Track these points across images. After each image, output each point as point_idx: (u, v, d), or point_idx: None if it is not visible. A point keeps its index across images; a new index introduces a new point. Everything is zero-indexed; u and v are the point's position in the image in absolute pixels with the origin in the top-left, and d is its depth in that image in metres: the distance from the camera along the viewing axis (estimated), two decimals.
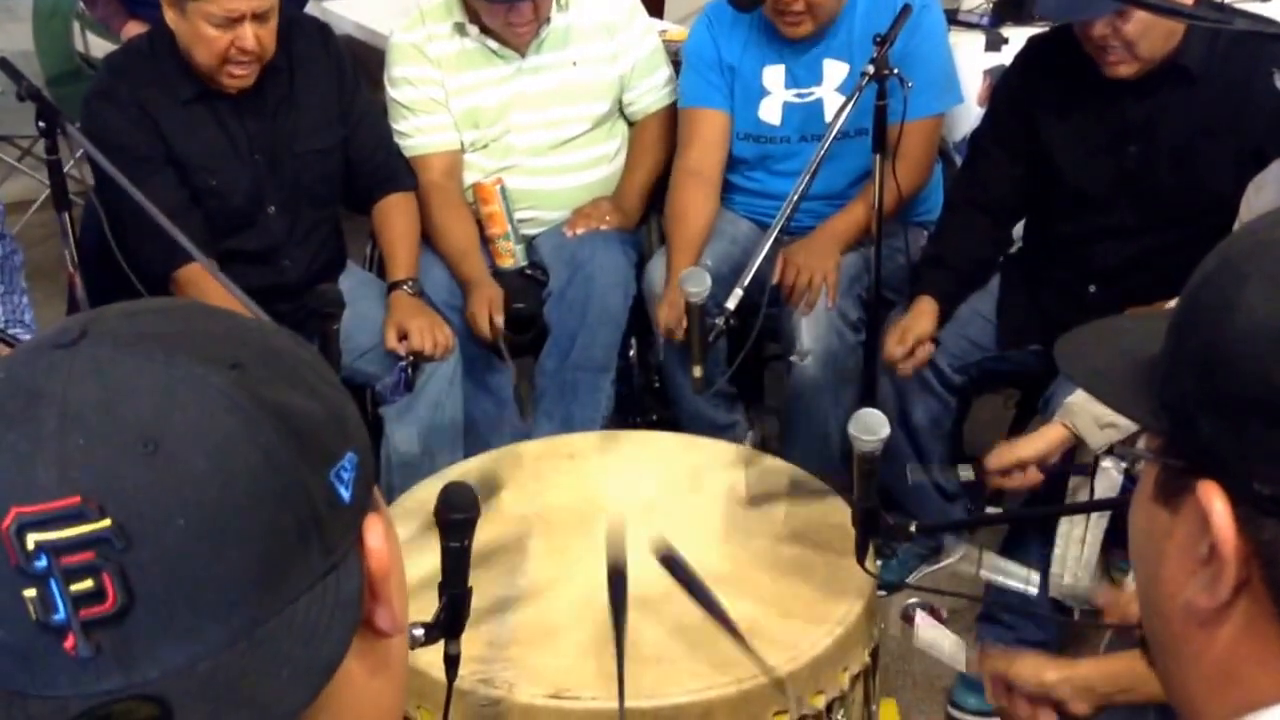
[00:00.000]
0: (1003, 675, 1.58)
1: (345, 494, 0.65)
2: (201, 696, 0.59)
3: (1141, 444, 0.75)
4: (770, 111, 2.87)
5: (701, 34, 2.92)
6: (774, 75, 2.85)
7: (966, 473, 2.20)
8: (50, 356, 0.62)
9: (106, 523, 0.58)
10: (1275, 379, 0.65)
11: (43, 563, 0.57)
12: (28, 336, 2.45)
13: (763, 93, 2.87)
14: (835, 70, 2.82)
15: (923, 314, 2.60)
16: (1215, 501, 0.67)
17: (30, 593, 0.58)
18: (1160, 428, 0.72)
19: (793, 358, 2.73)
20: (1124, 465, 2.14)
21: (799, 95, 2.85)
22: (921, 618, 1.79)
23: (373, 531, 0.67)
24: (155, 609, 0.58)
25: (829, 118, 2.80)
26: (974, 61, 3.19)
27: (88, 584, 0.57)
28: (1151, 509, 0.73)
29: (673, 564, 1.56)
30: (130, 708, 0.59)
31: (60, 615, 0.58)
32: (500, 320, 2.77)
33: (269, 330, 0.69)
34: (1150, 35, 2.30)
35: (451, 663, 1.31)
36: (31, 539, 0.57)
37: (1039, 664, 1.56)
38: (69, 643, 0.58)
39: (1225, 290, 0.68)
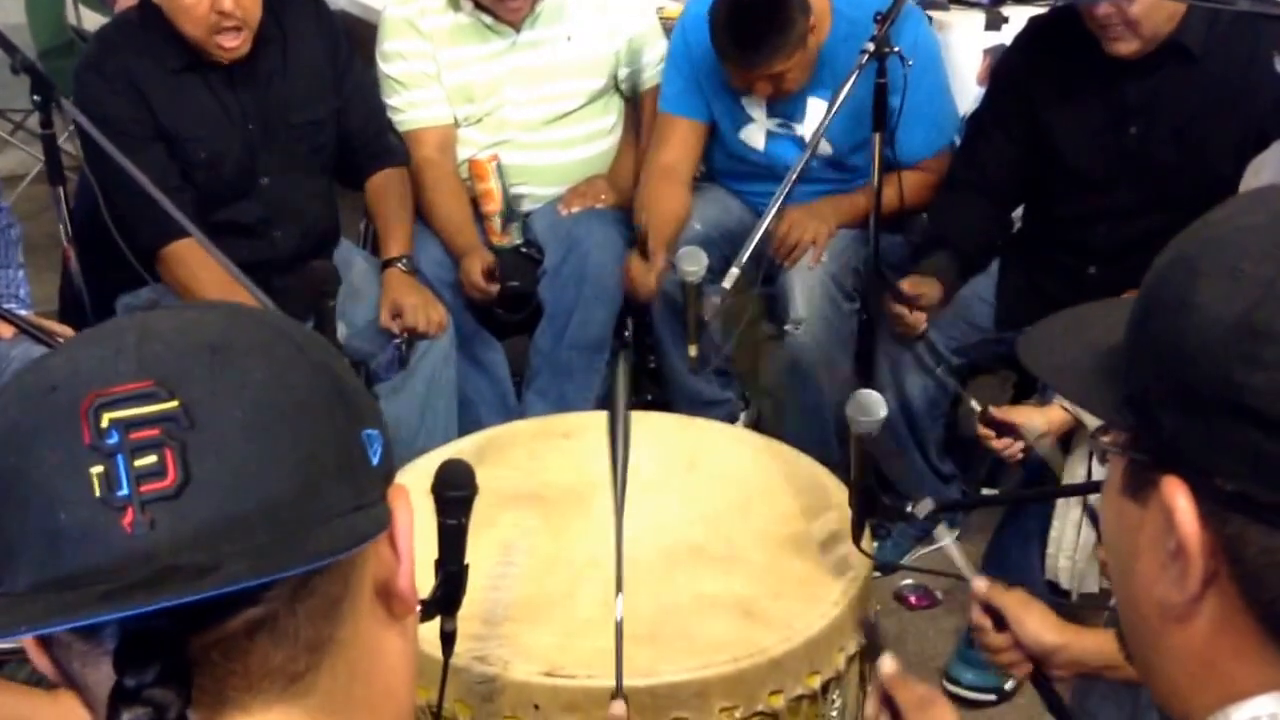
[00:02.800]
0: (1001, 612, 1.56)
1: (374, 457, 0.71)
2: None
3: (1108, 438, 0.74)
4: (754, 137, 2.85)
5: (679, 44, 2.86)
6: (755, 103, 2.81)
7: (975, 405, 2.22)
8: (125, 316, 0.71)
9: (175, 404, 0.64)
10: (1233, 376, 0.64)
11: (114, 439, 0.63)
12: (24, 312, 2.43)
13: (746, 119, 2.84)
14: (818, 109, 2.77)
15: (932, 281, 2.58)
16: (1179, 498, 0.67)
17: (97, 469, 0.62)
18: (1123, 422, 0.72)
19: (787, 326, 2.72)
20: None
21: (781, 125, 2.82)
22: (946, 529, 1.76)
23: (400, 505, 0.72)
24: (208, 492, 0.63)
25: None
26: (973, 41, 3.17)
27: (151, 459, 0.63)
28: (1121, 503, 0.73)
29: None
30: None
31: (123, 490, 0.62)
32: (491, 260, 2.75)
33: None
34: (1154, 15, 2.29)
35: (447, 639, 1.31)
36: (106, 417, 0.63)
37: (1044, 623, 1.54)
38: (127, 519, 0.62)
39: (1180, 286, 0.68)
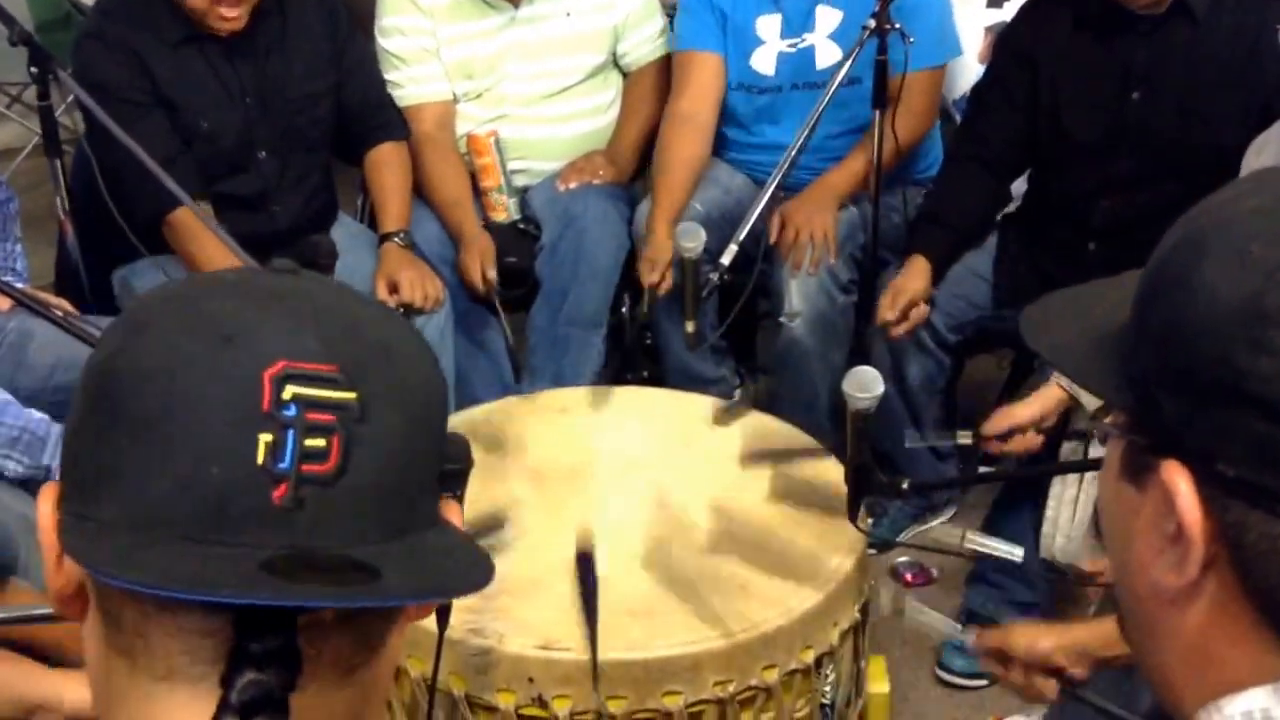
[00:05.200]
0: (998, 648, 1.57)
1: None
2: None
3: (1108, 419, 0.73)
4: (763, 62, 2.84)
5: None
6: (768, 25, 2.82)
7: (965, 438, 2.19)
8: (276, 275, 0.69)
9: (354, 395, 0.64)
10: (1235, 360, 0.63)
11: (291, 412, 0.63)
12: (21, 285, 2.43)
13: (756, 42, 2.83)
14: (828, 17, 2.78)
15: (916, 274, 2.57)
16: (1179, 482, 0.66)
17: (267, 437, 0.62)
18: (1124, 404, 0.71)
19: (781, 319, 2.72)
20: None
21: (792, 45, 2.82)
22: (910, 601, 1.79)
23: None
24: (356, 485, 0.64)
25: (820, 65, 2.78)
26: (975, 18, 3.16)
27: (320, 442, 0.63)
28: (1119, 486, 0.72)
29: None
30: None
31: (285, 464, 0.62)
32: (492, 274, 2.76)
33: None
34: None
35: (443, 612, 1.31)
36: (290, 389, 0.63)
37: (1033, 633, 1.55)
38: (278, 491, 0.62)
39: (1185, 266, 0.67)
